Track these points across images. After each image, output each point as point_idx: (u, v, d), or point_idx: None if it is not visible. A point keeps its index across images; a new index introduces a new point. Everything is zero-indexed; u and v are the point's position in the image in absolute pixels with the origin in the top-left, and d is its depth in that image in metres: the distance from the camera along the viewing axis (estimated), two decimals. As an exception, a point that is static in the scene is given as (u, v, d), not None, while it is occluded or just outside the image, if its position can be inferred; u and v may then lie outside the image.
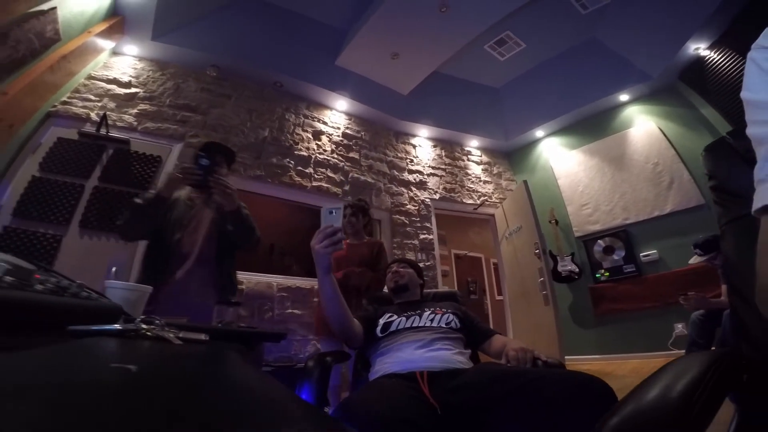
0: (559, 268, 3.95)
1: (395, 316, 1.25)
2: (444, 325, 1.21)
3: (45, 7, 2.16)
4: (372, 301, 1.56)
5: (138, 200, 1.42)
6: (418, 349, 1.10)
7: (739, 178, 0.61)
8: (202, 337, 0.57)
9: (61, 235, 2.24)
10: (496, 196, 4.75)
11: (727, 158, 0.64)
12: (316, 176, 3.60)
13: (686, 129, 3.58)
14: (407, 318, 1.23)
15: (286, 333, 1.51)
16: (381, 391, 0.90)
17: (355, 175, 3.87)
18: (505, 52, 4.19)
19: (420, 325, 1.21)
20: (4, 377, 0.20)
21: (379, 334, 1.20)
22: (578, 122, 4.38)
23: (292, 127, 3.69)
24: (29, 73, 2.27)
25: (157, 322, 0.53)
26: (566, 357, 3.04)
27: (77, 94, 2.82)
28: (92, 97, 2.87)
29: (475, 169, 4.83)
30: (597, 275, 3.82)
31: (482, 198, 4.64)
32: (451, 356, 1.08)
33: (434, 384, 0.91)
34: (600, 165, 4.04)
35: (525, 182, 3.64)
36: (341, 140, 3.98)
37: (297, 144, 3.62)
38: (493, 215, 4.58)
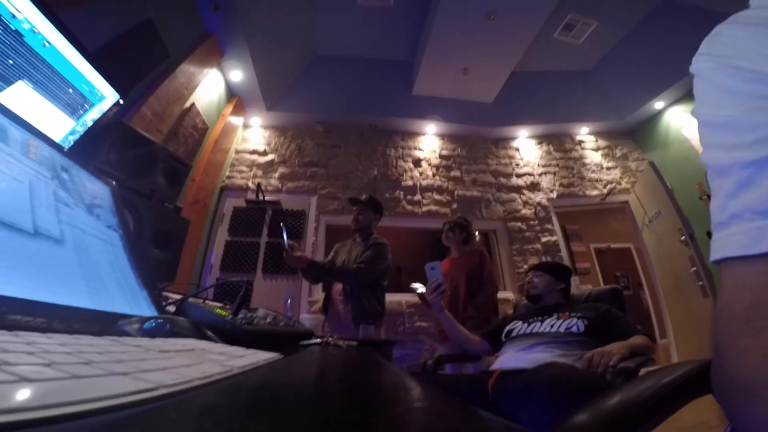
0: (725, 252, 3.57)
1: (519, 323, 1.58)
2: (562, 331, 1.39)
3: (187, 104, 2.97)
4: (516, 309, 1.99)
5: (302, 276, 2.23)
6: (517, 352, 1.40)
7: None
8: (354, 343, 1.09)
9: (252, 280, 3.29)
10: (626, 180, 4.54)
11: None
12: (424, 201, 4.16)
13: None
14: (528, 324, 1.53)
15: (397, 341, 2.41)
16: (454, 376, 1.32)
17: (460, 192, 4.29)
18: (579, 35, 4.15)
19: (537, 331, 1.47)
20: (308, 360, 0.67)
21: (503, 339, 1.59)
22: None
23: (394, 160, 4.37)
24: (201, 159, 3.29)
25: (335, 336, 1.07)
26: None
27: (234, 168, 4.00)
28: (245, 169, 4.03)
29: (593, 157, 4.72)
30: (781, 254, 3.33)
31: (609, 186, 4.50)
32: (544, 358, 1.28)
33: (503, 380, 1.24)
34: (750, 125, 3.58)
35: (651, 163, 3.49)
36: (440, 162, 4.48)
37: (402, 175, 4.27)
38: (626, 202, 4.40)
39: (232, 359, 0.32)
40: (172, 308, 0.79)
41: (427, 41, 3.80)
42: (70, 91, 1.44)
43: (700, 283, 3.01)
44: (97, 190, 0.79)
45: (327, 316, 2.17)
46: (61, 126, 1.36)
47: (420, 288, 2.60)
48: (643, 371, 1.06)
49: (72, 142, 1.37)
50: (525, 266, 3.92)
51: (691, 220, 3.42)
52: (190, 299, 0.73)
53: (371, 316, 2.12)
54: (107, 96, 1.63)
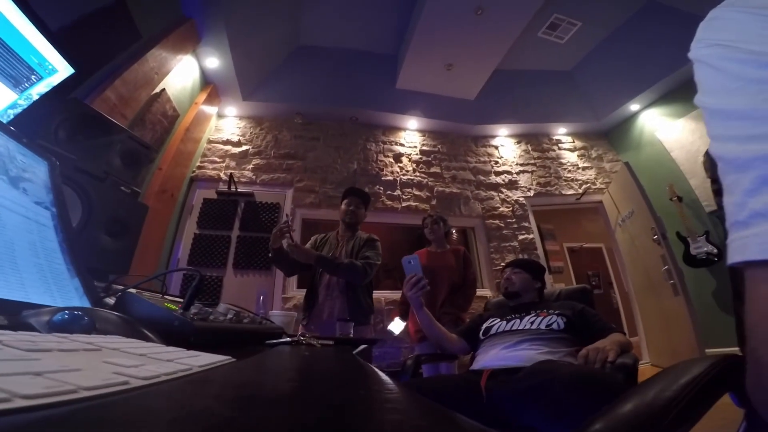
0: (693, 251, 3.67)
1: (497, 320, 1.53)
2: (543, 328, 1.37)
3: (158, 89, 2.81)
4: (490, 307, 1.91)
5: (270, 254, 2.04)
6: (503, 350, 1.35)
7: None
8: (330, 342, 1.01)
9: (222, 276, 3.14)
10: (600, 181, 4.63)
11: None
12: (404, 197, 4.09)
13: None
14: (507, 322, 1.49)
15: (378, 339, 2.17)
16: (440, 377, 1.25)
17: (440, 188, 4.26)
18: (563, 35, 4.22)
19: (518, 328, 1.43)
20: (267, 364, 0.56)
21: (481, 337, 1.53)
22: (678, 88, 4.10)
23: (375, 155, 4.29)
24: (170, 148, 3.10)
25: (307, 335, 0.99)
26: (711, 350, 2.87)
27: (206, 158, 3.81)
28: (217, 159, 3.84)
29: (570, 157, 4.79)
30: (744, 254, 3.45)
31: (584, 186, 4.58)
32: (534, 355, 1.25)
33: (495, 379, 1.17)
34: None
35: (626, 164, 3.56)
36: (420, 158, 4.43)
37: (382, 170, 4.19)
38: (600, 202, 4.49)
39: (147, 365, 0.23)
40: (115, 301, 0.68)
41: (413, 34, 3.74)
42: (14, 61, 1.28)
43: (672, 281, 3.08)
44: (30, 163, 0.67)
45: (310, 313, 2.02)
46: (0, 98, 1.20)
47: (398, 328, 2.51)
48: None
49: (12, 116, 1.21)
50: (502, 264, 3.92)
51: (663, 220, 3.50)
52: (131, 290, 0.63)
53: (367, 314, 2.06)
54: (59, 70, 1.47)
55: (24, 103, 1.30)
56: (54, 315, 0.38)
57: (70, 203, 1.15)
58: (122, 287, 0.66)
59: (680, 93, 4.12)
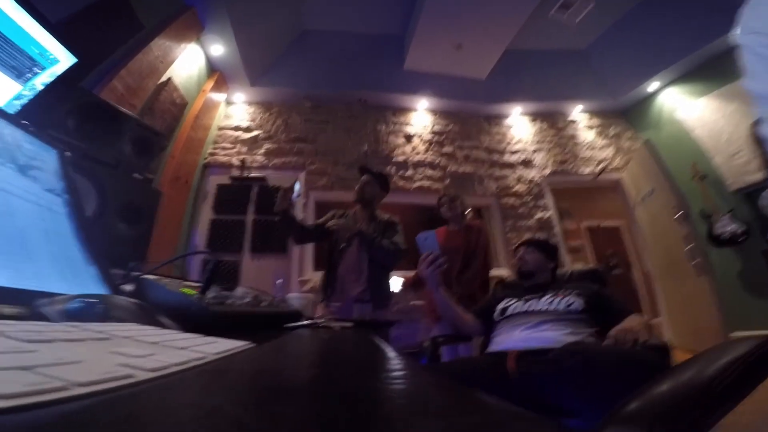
0: (718, 230, 3.54)
1: (514, 301, 1.47)
2: (562, 308, 1.33)
3: (164, 78, 2.80)
4: (503, 287, 1.86)
5: (277, 218, 2.00)
6: (524, 331, 1.31)
7: None
8: (349, 325, 1.01)
9: (239, 260, 3.18)
10: (619, 159, 4.48)
11: None
12: (416, 177, 4.04)
13: None
14: (525, 302, 1.43)
15: (395, 320, 2.12)
16: (461, 360, 1.23)
17: (453, 167, 4.18)
18: (576, 14, 4.03)
19: (536, 309, 1.37)
20: (287, 349, 0.55)
21: (497, 318, 1.47)
22: (699, 67, 3.91)
23: (386, 136, 4.22)
24: (180, 136, 3.11)
25: (326, 318, 1.01)
26: (736, 333, 2.79)
27: (217, 145, 3.82)
28: (228, 145, 3.85)
29: (587, 135, 4.64)
30: (772, 232, 3.31)
31: (602, 164, 4.44)
32: (558, 336, 1.21)
33: (522, 360, 1.13)
34: (743, 108, 3.49)
35: (647, 141, 3.42)
36: (432, 138, 4.35)
37: (393, 151, 4.14)
38: (619, 180, 4.36)
39: (157, 354, 0.22)
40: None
41: (420, 14, 3.64)
42: (14, 52, 1.28)
43: (695, 261, 2.99)
44: (38, 152, 0.66)
45: (329, 295, 1.96)
46: (4, 89, 1.21)
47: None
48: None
49: (19, 107, 1.22)
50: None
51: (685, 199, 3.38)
52: (149, 276, 0.62)
53: (387, 297, 2.03)
54: (61, 60, 1.47)
55: (29, 94, 1.30)
56: (67, 303, 0.37)
57: (83, 192, 1.16)
58: (138, 273, 0.66)
59: (701, 72, 3.93)
